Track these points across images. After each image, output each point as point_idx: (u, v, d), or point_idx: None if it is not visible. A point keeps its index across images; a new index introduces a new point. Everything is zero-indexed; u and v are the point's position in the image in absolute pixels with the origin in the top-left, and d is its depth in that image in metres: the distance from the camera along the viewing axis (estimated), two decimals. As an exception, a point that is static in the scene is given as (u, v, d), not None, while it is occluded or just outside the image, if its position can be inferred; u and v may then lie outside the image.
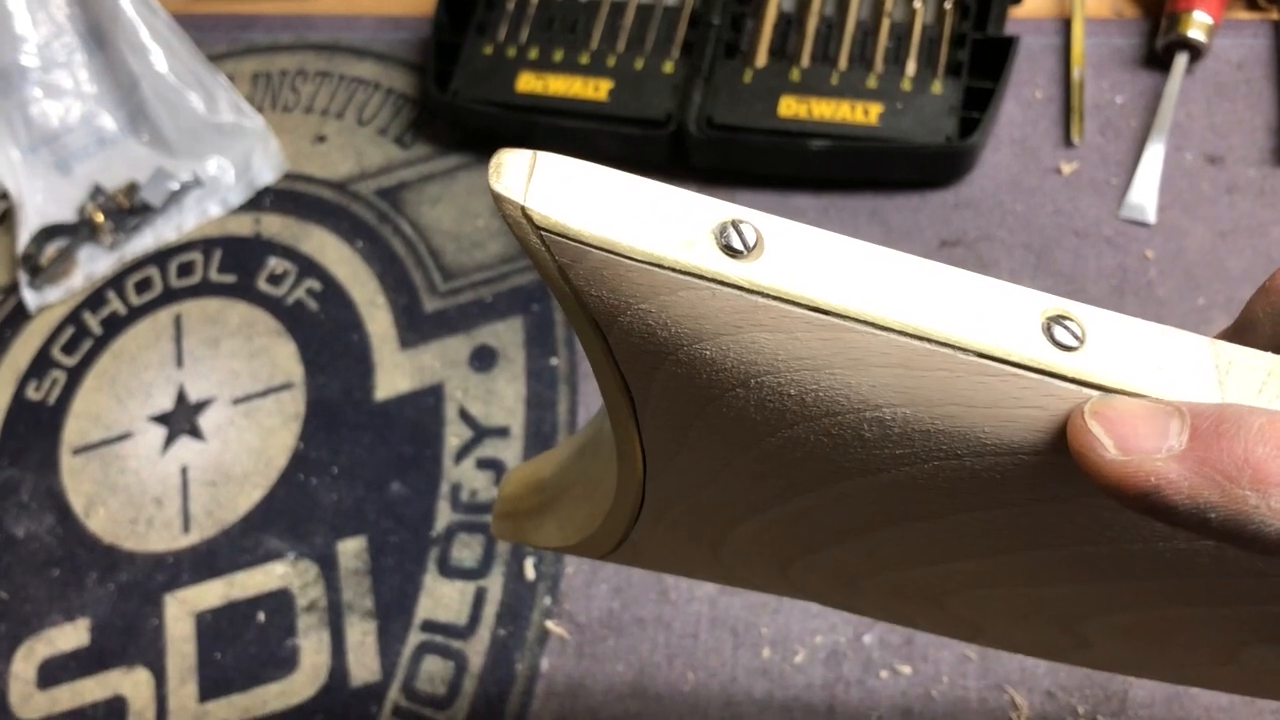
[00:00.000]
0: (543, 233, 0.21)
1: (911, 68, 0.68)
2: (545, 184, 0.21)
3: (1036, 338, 0.21)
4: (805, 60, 0.69)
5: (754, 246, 0.21)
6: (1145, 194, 0.65)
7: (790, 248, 0.21)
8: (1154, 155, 0.66)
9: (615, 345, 0.23)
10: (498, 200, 0.21)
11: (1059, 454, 0.22)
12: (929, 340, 0.21)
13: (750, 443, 0.24)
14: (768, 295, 0.21)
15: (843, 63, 0.69)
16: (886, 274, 0.21)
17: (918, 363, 0.21)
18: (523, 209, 0.21)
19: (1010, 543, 0.25)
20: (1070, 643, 0.32)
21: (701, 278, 0.21)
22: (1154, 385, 0.21)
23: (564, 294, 0.22)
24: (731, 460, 0.25)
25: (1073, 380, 0.21)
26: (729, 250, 0.21)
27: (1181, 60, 0.68)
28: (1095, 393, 0.21)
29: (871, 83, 0.67)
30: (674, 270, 0.21)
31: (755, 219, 0.21)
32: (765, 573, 0.33)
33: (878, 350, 0.21)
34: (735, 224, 0.21)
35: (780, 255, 0.21)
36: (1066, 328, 0.21)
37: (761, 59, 0.70)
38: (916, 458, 0.23)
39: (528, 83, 0.72)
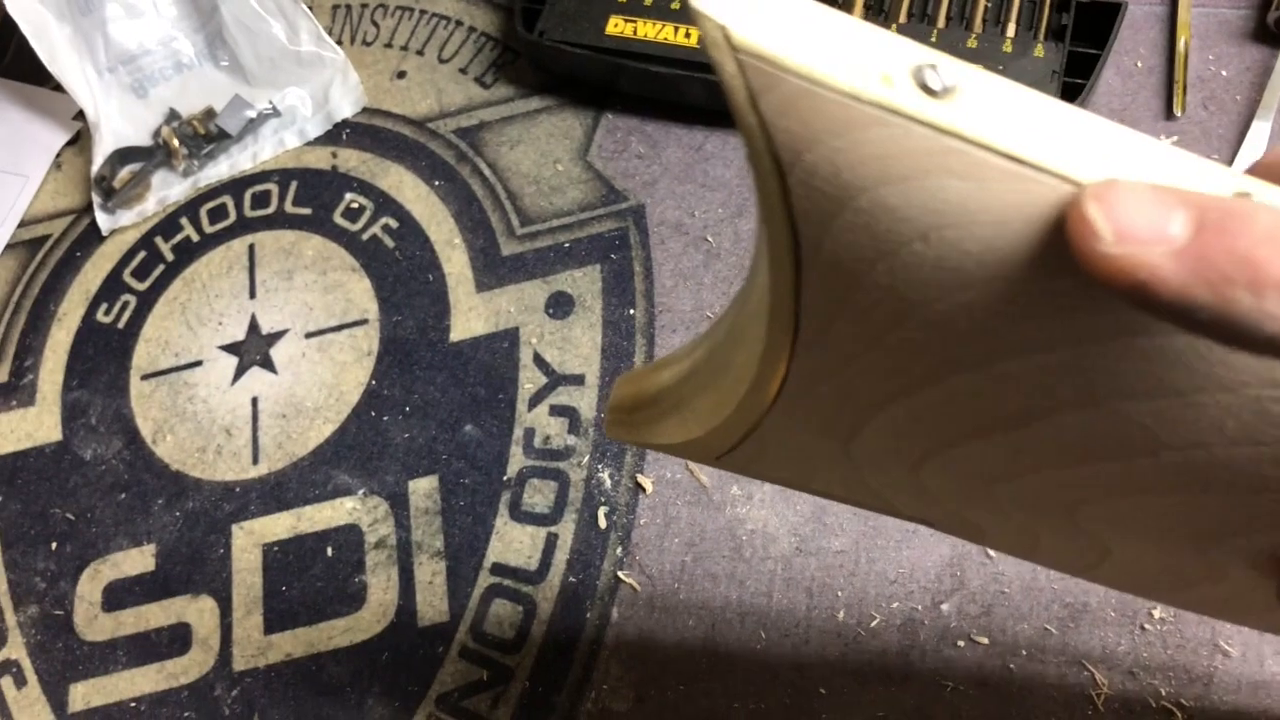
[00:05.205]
0: (740, 55, 0.20)
1: (1012, 29, 0.66)
2: (745, 5, 0.20)
3: None
4: (902, 17, 0.67)
5: (951, 89, 0.20)
6: (1248, 172, 0.64)
7: (986, 96, 0.20)
8: (1259, 133, 0.64)
9: (794, 186, 0.22)
10: (696, 18, 0.20)
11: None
12: None
13: (917, 308, 0.23)
14: (963, 138, 0.20)
15: (941, 21, 0.67)
16: (1087, 135, 0.20)
17: None
18: (724, 29, 0.20)
19: (1180, 438, 0.24)
20: (1203, 572, 0.31)
21: (897, 114, 0.20)
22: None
23: (749, 124, 0.21)
24: (893, 328, 0.25)
25: None
26: (926, 90, 0.20)
27: (1292, 36, 0.66)
28: None
29: (971, 43, 0.66)
30: (871, 105, 0.20)
31: (951, 65, 0.20)
32: (894, 474, 0.32)
33: None
34: (932, 66, 0.20)
35: (977, 101, 0.20)
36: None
37: (857, 14, 0.68)
38: None
39: (617, 26, 0.70)
